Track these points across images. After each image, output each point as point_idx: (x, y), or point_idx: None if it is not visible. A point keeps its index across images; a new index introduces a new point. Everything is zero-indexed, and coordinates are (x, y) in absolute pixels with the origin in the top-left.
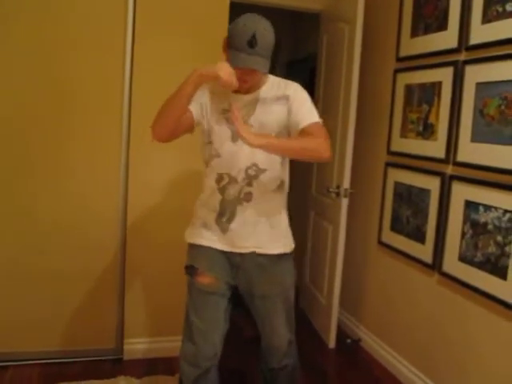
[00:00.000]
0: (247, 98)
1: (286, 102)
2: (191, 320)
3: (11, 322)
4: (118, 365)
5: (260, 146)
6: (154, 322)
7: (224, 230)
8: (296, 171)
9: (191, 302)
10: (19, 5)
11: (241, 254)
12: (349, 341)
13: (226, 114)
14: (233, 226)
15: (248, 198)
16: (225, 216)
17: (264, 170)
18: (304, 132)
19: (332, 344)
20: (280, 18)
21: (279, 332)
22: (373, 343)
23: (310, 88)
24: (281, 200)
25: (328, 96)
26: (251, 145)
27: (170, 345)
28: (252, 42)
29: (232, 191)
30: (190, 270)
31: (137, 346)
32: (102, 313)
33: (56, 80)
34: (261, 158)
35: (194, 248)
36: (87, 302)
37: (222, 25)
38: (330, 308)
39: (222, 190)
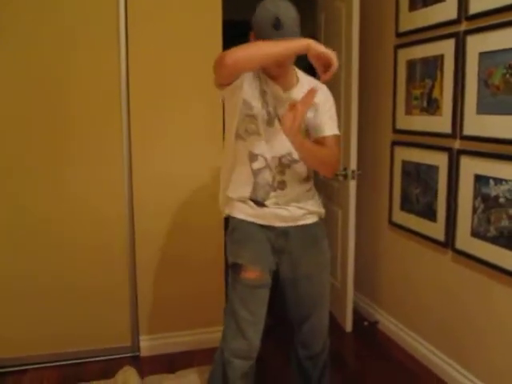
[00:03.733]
0: (284, 95)
1: (313, 109)
2: (240, 315)
3: (27, 326)
4: (136, 362)
5: (293, 141)
6: (169, 316)
7: (259, 204)
8: None
9: (237, 297)
10: (13, 8)
11: (284, 234)
12: (366, 323)
13: (265, 97)
14: (268, 204)
15: (281, 186)
16: (258, 196)
17: (297, 161)
18: (321, 141)
19: (349, 328)
20: None
21: (325, 312)
22: (390, 325)
23: (311, 72)
24: (310, 188)
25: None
26: (288, 133)
27: (185, 339)
28: (277, 25)
29: (265, 176)
30: (236, 269)
31: (153, 342)
32: (116, 311)
33: (53, 81)
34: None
35: (235, 232)
36: (100, 301)
37: (215, 12)
38: (344, 292)
39: (256, 174)
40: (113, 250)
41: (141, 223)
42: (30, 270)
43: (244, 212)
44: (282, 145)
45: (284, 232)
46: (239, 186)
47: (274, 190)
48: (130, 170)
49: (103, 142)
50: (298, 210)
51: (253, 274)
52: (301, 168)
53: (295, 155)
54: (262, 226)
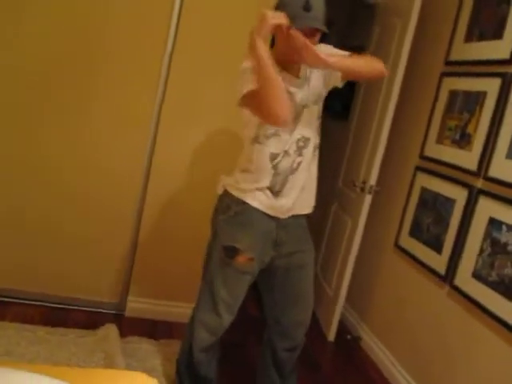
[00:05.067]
0: (299, 81)
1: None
2: (218, 293)
3: (21, 262)
4: (120, 320)
5: (334, 64)
6: (160, 285)
7: (275, 193)
8: (326, 161)
9: (221, 275)
10: None
11: (285, 226)
12: (349, 337)
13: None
14: (284, 192)
15: (298, 167)
16: (275, 187)
17: (309, 139)
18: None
19: (331, 337)
20: (336, 5)
21: (311, 302)
22: (373, 344)
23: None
24: (316, 164)
25: (369, 89)
26: (329, 65)
27: (172, 310)
28: (307, 7)
29: (285, 164)
30: (231, 252)
31: (139, 305)
32: (111, 267)
33: (93, 38)
34: (306, 129)
35: (239, 216)
36: (98, 255)
37: None
38: (335, 301)
39: (275, 166)
40: (122, 206)
41: (154, 187)
42: (33, 210)
43: (258, 200)
44: (299, 131)
45: (285, 224)
46: (258, 180)
47: (292, 173)
48: (155, 132)
49: (135, 100)
50: (305, 200)
51: (246, 259)
52: (312, 145)
53: (307, 134)
54: (269, 218)
